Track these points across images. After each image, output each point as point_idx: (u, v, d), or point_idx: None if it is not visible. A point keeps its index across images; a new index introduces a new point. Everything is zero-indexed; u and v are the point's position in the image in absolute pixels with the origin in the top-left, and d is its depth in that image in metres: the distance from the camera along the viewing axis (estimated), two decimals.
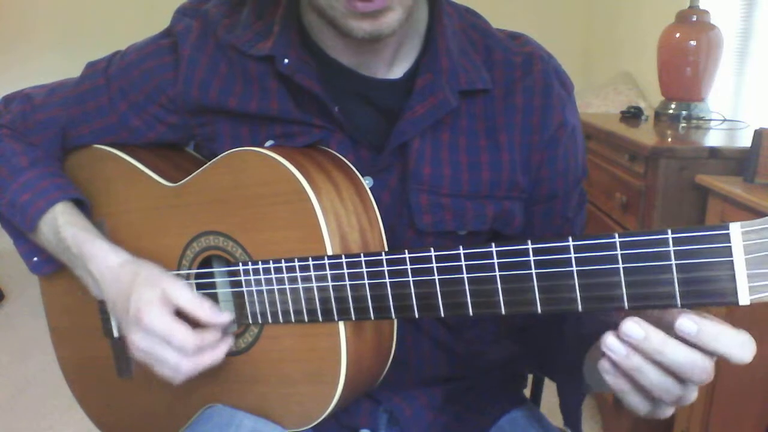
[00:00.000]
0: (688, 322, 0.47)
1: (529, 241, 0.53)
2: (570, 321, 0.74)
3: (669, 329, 0.48)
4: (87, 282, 0.78)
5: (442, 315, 0.58)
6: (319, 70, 0.72)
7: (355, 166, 0.72)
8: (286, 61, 0.70)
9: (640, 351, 0.48)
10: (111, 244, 0.77)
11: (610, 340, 0.49)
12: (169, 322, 0.67)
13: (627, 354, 0.49)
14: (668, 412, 0.54)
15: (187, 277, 0.77)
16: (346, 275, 0.63)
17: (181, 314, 0.69)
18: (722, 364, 0.48)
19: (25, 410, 2.07)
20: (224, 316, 0.69)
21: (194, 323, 0.69)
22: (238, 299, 0.75)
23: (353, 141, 0.73)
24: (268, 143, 0.74)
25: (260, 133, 0.75)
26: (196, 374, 0.68)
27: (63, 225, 0.77)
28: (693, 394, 0.52)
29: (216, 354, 0.69)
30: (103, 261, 0.75)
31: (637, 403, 0.52)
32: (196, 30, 0.76)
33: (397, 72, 0.74)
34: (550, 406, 0.76)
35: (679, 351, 0.47)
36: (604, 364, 0.51)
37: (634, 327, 0.48)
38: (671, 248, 0.47)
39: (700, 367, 0.47)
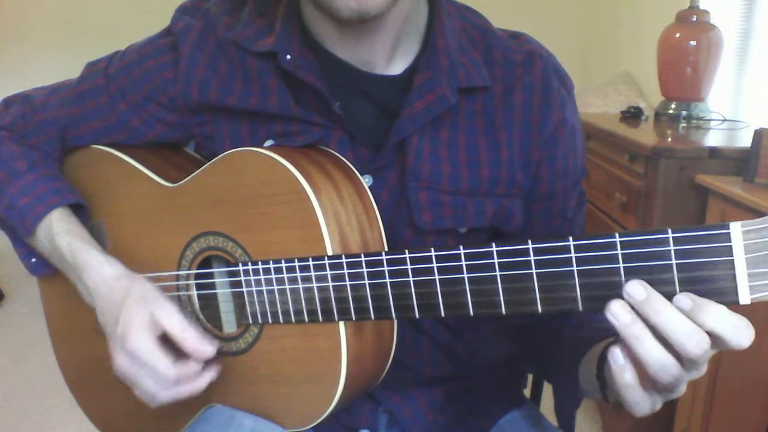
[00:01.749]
0: (683, 298, 0.47)
1: (530, 241, 0.53)
2: (569, 324, 0.74)
3: None
4: (80, 291, 0.78)
5: (443, 315, 0.58)
6: (319, 66, 0.72)
7: (354, 165, 0.72)
8: (288, 57, 0.71)
9: (641, 314, 0.49)
10: (106, 255, 0.76)
11: (615, 306, 0.49)
12: (152, 350, 0.67)
13: (630, 322, 0.49)
14: (658, 405, 0.54)
15: (187, 277, 0.77)
16: (346, 275, 0.63)
17: (167, 338, 0.68)
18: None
19: (25, 410, 2.07)
20: (208, 348, 0.68)
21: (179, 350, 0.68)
22: (238, 299, 0.74)
23: (352, 139, 0.73)
24: (268, 143, 0.74)
25: (260, 132, 0.75)
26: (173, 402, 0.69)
27: (58, 233, 0.77)
28: (683, 386, 0.52)
29: (195, 386, 0.69)
30: (97, 272, 0.74)
31: (638, 399, 0.52)
32: (196, 28, 0.76)
33: (397, 69, 0.74)
34: (550, 406, 0.76)
35: (675, 315, 0.47)
36: (614, 350, 0.51)
37: (636, 286, 0.48)
38: (671, 248, 0.47)
39: (697, 339, 0.47)
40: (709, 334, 0.47)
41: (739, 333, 0.46)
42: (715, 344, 0.48)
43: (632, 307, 0.49)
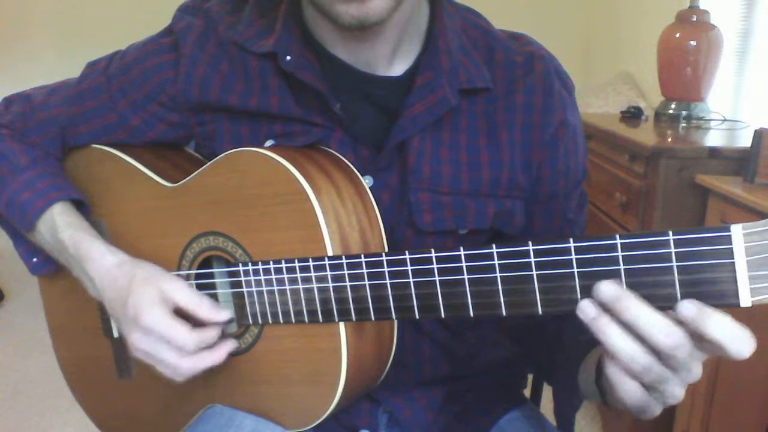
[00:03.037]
0: (688, 305, 0.47)
1: (530, 242, 0.53)
2: (569, 327, 0.74)
3: None
4: (84, 283, 0.78)
5: (443, 316, 0.58)
6: (320, 67, 0.72)
7: (354, 165, 0.72)
8: (288, 57, 0.71)
9: (612, 312, 0.49)
10: (108, 245, 0.77)
11: (583, 303, 0.50)
12: (167, 322, 0.67)
13: (595, 316, 0.49)
14: (657, 410, 0.54)
15: (187, 277, 0.77)
16: (346, 276, 0.63)
17: (180, 313, 0.69)
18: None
19: (25, 410, 2.07)
20: (223, 313, 0.69)
21: (194, 322, 0.69)
22: (239, 300, 0.74)
23: (353, 140, 0.73)
24: (268, 143, 0.74)
25: (260, 132, 0.75)
26: (197, 374, 0.68)
27: (60, 226, 0.77)
28: (678, 390, 0.51)
29: (216, 356, 0.69)
30: (99, 262, 0.75)
31: (626, 388, 0.52)
32: (198, 28, 0.76)
33: (398, 70, 0.74)
34: (550, 406, 0.76)
35: (643, 309, 0.48)
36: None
37: (607, 285, 0.49)
38: (672, 250, 0.47)
39: (667, 332, 0.47)
40: (711, 340, 0.47)
41: (741, 344, 0.46)
42: (714, 351, 0.48)
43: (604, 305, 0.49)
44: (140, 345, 0.69)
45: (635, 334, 0.49)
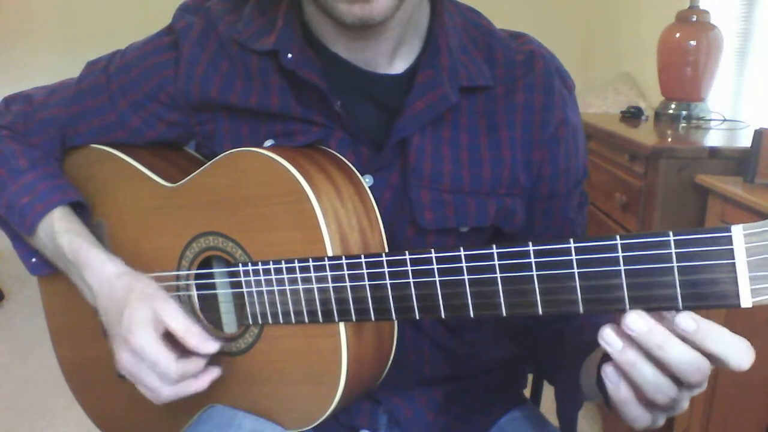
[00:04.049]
0: (687, 320, 0.47)
1: (530, 243, 0.53)
2: (570, 328, 0.74)
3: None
4: (82, 290, 0.78)
5: (443, 316, 0.58)
6: (321, 65, 0.72)
7: (354, 164, 0.72)
8: (290, 55, 0.70)
9: (641, 345, 0.48)
10: (108, 253, 0.76)
11: (606, 333, 0.49)
12: (155, 347, 0.67)
13: (622, 348, 0.49)
14: (660, 421, 0.54)
15: (187, 277, 0.77)
16: (346, 276, 0.63)
17: (170, 336, 0.68)
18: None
19: (25, 409, 2.07)
20: (212, 344, 0.68)
21: (182, 347, 0.68)
22: (238, 300, 0.74)
23: (353, 139, 0.73)
24: (268, 143, 0.74)
25: (260, 132, 0.75)
26: (177, 400, 0.68)
27: (59, 231, 0.77)
28: (685, 402, 0.52)
29: (198, 384, 0.69)
30: (99, 271, 0.74)
31: (636, 414, 0.52)
32: (198, 27, 0.76)
33: (399, 68, 0.74)
34: (550, 406, 0.76)
35: (679, 348, 0.47)
36: (606, 369, 0.51)
37: (637, 320, 0.48)
38: (673, 250, 0.47)
39: (697, 367, 0.47)
40: (710, 356, 0.47)
41: (741, 356, 0.46)
42: (715, 364, 0.48)
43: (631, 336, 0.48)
44: (125, 363, 0.68)
45: (661, 364, 0.48)
